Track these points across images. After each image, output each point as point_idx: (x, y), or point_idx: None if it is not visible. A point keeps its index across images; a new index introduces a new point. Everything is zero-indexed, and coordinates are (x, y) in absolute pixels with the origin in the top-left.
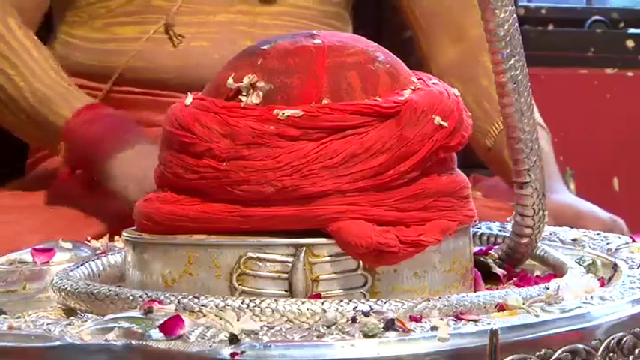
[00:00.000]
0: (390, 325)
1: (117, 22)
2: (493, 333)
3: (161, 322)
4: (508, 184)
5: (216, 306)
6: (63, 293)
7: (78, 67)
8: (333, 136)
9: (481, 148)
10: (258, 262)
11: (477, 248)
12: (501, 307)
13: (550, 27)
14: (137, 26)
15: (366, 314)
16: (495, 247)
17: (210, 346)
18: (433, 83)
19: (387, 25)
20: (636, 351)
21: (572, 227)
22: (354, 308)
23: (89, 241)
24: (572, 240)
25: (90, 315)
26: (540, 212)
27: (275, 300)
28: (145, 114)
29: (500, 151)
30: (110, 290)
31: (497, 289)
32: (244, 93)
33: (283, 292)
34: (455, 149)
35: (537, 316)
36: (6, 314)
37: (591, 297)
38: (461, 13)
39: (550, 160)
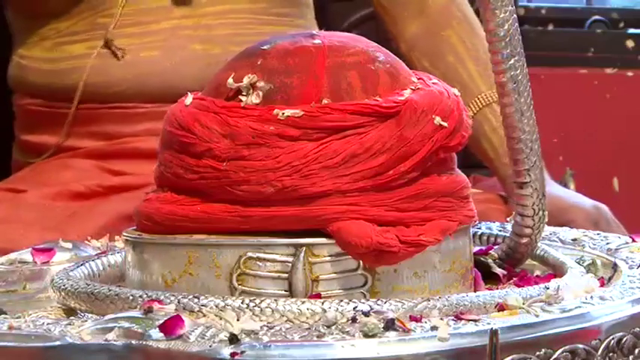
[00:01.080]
0: (390, 325)
1: (66, 41)
2: (493, 333)
3: (161, 322)
4: (489, 167)
5: (216, 306)
6: (63, 293)
7: (35, 89)
8: (333, 136)
9: None
10: (258, 262)
11: (477, 248)
12: (501, 307)
13: (550, 27)
14: (85, 43)
15: (366, 314)
16: (495, 247)
17: (210, 346)
18: (433, 83)
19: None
20: (636, 351)
21: (556, 219)
22: (354, 308)
23: (89, 241)
24: (572, 240)
25: (90, 315)
26: (540, 212)
27: (275, 300)
28: (111, 127)
29: (477, 134)
30: (110, 290)
31: (497, 289)
32: (244, 93)
33: (283, 292)
34: (455, 149)
35: (537, 316)
36: (6, 314)
37: (591, 297)
38: None
39: None
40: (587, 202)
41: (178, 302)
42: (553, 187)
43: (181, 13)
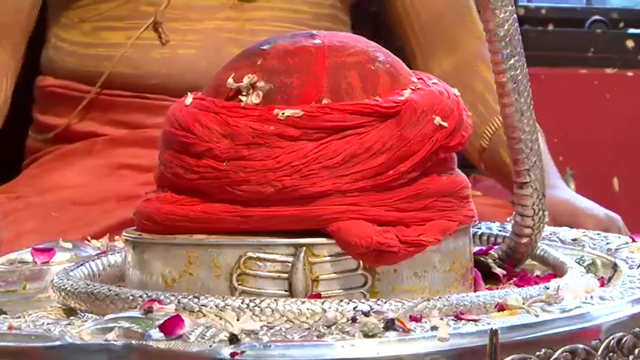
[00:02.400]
0: (390, 325)
1: (106, 26)
2: (493, 333)
3: (161, 322)
4: (504, 187)
5: (216, 306)
6: (63, 293)
7: (68, 72)
8: (333, 136)
9: (475, 150)
10: (258, 262)
11: (477, 248)
12: (501, 307)
13: (550, 27)
14: (125, 32)
15: (366, 314)
16: (495, 247)
17: (210, 346)
18: (433, 83)
19: (385, 24)
20: (636, 351)
21: (568, 224)
22: (354, 308)
23: (89, 241)
24: (572, 240)
25: (90, 315)
26: (540, 212)
27: (275, 300)
28: (135, 116)
29: (496, 150)
30: (110, 290)
31: (497, 289)
32: (244, 93)
33: (283, 292)
34: (455, 149)
35: (537, 316)
36: (6, 314)
37: (591, 297)
38: (458, 27)
39: (547, 157)
40: (600, 210)
41: (178, 302)
42: (565, 192)
43: (226, 15)
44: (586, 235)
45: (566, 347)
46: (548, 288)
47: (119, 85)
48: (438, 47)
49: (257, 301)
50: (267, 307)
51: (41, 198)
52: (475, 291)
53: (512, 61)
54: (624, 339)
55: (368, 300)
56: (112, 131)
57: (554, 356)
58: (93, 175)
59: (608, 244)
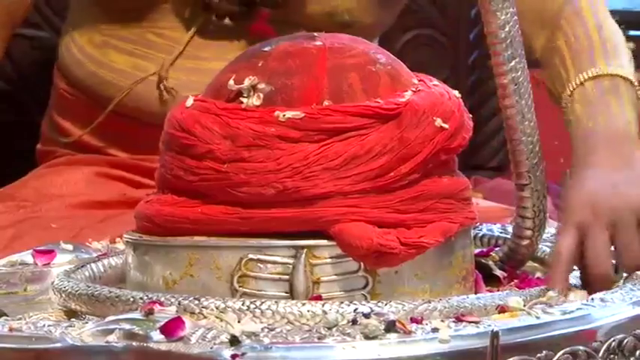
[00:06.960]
0: (390, 326)
1: (113, 44)
2: (494, 335)
3: (162, 323)
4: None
5: (217, 308)
6: (64, 295)
7: (76, 80)
8: (334, 137)
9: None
10: (258, 264)
11: (477, 250)
12: (502, 309)
13: None
14: (129, 57)
15: (367, 316)
16: (496, 248)
17: (211, 348)
18: (434, 85)
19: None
20: (637, 353)
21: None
22: (354, 310)
23: (90, 243)
24: None
25: (91, 317)
26: (541, 214)
27: (276, 302)
28: (138, 143)
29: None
30: (111, 292)
31: (498, 290)
32: (245, 95)
33: (284, 294)
34: (456, 151)
35: (538, 318)
36: (7, 316)
37: (592, 299)
38: None
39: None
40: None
41: (179, 304)
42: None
43: (235, 55)
44: None
45: (567, 349)
46: (549, 290)
47: (126, 113)
48: (531, 24)
49: (258, 303)
50: (267, 309)
51: (40, 205)
52: (476, 293)
53: (513, 63)
54: (625, 341)
55: (369, 302)
56: (117, 152)
57: (555, 358)
58: (92, 183)
59: None
